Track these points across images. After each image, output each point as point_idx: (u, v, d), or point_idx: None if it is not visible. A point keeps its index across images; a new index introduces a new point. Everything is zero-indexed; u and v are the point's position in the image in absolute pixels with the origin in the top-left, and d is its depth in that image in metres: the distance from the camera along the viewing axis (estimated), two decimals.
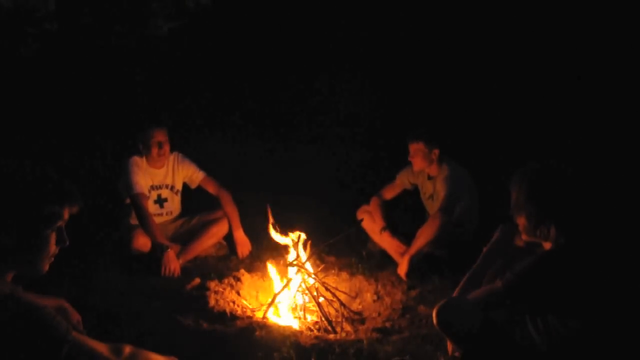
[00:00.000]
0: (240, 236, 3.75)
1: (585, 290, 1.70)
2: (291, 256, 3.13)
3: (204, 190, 3.91)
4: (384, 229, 3.66)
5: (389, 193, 3.89)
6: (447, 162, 3.56)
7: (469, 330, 1.85)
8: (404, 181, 3.84)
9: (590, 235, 1.76)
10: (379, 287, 3.29)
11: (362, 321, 2.91)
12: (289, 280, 2.95)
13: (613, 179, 3.64)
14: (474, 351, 1.94)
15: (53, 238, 1.42)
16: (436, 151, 3.53)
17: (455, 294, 2.08)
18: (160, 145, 3.62)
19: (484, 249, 2.18)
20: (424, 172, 3.69)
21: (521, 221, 1.84)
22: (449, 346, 2.19)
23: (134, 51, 7.05)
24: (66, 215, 1.43)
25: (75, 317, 1.91)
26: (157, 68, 6.84)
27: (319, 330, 2.75)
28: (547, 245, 1.81)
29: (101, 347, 1.37)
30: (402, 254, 3.43)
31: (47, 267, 1.44)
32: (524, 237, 1.89)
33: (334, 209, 4.45)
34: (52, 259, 1.44)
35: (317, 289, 2.97)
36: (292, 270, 3.03)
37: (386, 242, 3.64)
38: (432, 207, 3.65)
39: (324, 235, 3.47)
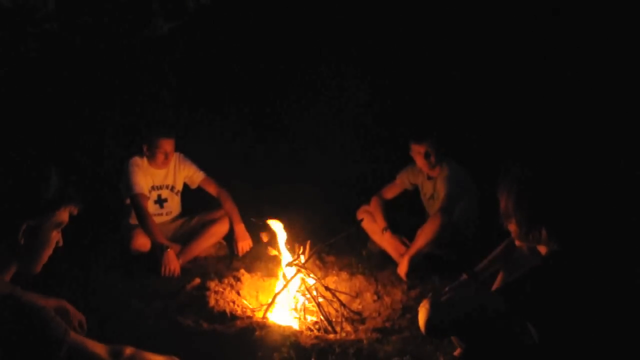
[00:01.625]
0: (241, 230, 3.73)
1: (584, 295, 1.69)
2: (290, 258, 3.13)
3: (204, 190, 3.92)
4: (385, 229, 3.66)
5: (390, 193, 3.88)
6: (447, 162, 3.55)
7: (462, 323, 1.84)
8: (404, 181, 3.84)
9: (585, 238, 1.75)
10: (379, 287, 3.29)
11: (362, 321, 2.91)
12: (289, 281, 2.95)
13: (608, 179, 3.64)
14: (475, 349, 1.94)
15: (55, 239, 1.44)
16: (443, 148, 3.53)
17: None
18: (166, 156, 3.64)
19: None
20: (424, 172, 3.68)
21: (512, 227, 1.83)
22: (455, 341, 2.20)
23: (133, 51, 7.05)
24: (68, 217, 1.45)
25: (78, 317, 1.91)
26: (157, 68, 6.83)
27: (319, 330, 2.75)
28: (542, 249, 1.81)
29: (100, 349, 1.37)
30: (402, 254, 3.43)
31: (40, 268, 1.45)
32: (517, 243, 1.88)
33: (334, 209, 4.45)
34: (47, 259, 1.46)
35: (316, 289, 2.97)
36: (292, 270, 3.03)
37: (387, 242, 3.63)
38: (433, 207, 3.64)
39: (324, 235, 3.47)
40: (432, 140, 3.48)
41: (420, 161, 3.56)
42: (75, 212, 1.46)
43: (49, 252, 1.45)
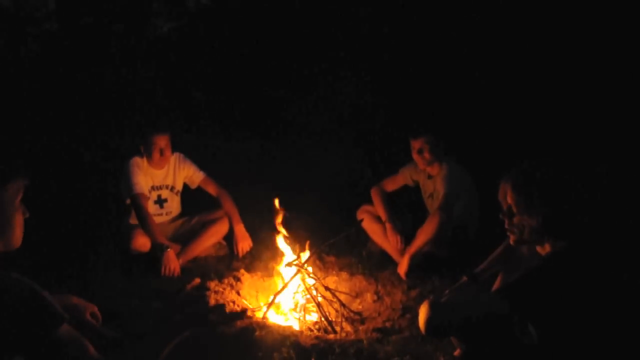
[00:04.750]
0: (240, 231, 3.73)
1: (585, 295, 1.69)
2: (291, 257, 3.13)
3: (204, 190, 3.92)
4: (389, 219, 3.62)
5: (390, 185, 3.87)
6: (447, 161, 3.56)
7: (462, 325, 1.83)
8: (406, 176, 3.83)
9: (587, 237, 1.74)
10: (379, 287, 3.29)
11: (362, 321, 2.91)
12: (289, 281, 2.95)
13: (613, 179, 3.64)
14: (475, 350, 1.94)
15: (18, 211, 1.54)
16: (442, 144, 3.52)
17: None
18: (161, 152, 3.64)
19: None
20: (424, 171, 3.69)
21: (513, 228, 1.82)
22: (454, 341, 2.20)
23: (134, 51, 7.05)
24: (22, 189, 1.56)
25: (89, 308, 1.93)
26: (157, 68, 6.84)
27: (319, 330, 2.75)
28: (544, 249, 1.80)
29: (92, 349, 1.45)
30: (402, 253, 3.43)
31: (20, 240, 1.56)
32: (511, 242, 1.87)
33: (334, 209, 4.45)
34: (22, 231, 1.57)
35: (316, 289, 2.97)
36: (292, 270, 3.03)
37: (389, 235, 3.58)
38: (432, 206, 3.65)
39: (324, 235, 3.47)
40: (427, 136, 3.48)
41: (415, 157, 3.57)
42: (27, 182, 1.57)
43: (18, 224, 1.55)
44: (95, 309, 1.94)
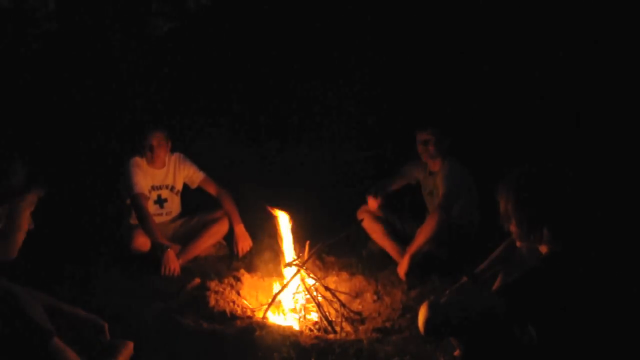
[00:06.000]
0: (240, 231, 3.74)
1: (582, 295, 1.69)
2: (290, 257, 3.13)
3: (204, 190, 3.92)
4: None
5: (393, 184, 3.88)
6: (449, 161, 3.56)
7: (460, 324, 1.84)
8: (407, 174, 3.84)
9: (585, 237, 1.75)
10: (379, 287, 3.29)
11: (362, 321, 2.91)
12: (289, 281, 2.95)
13: (610, 180, 3.64)
14: (474, 350, 1.94)
15: (26, 221, 1.54)
16: (447, 141, 3.53)
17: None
18: (151, 149, 3.63)
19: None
20: (425, 167, 3.70)
21: (513, 228, 1.84)
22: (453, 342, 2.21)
23: (134, 51, 7.05)
24: (35, 200, 1.55)
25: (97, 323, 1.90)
26: (156, 68, 6.83)
27: (319, 330, 2.75)
28: (544, 249, 1.81)
29: None
30: (402, 253, 3.43)
31: (16, 252, 1.55)
32: (518, 243, 1.89)
33: (334, 209, 4.44)
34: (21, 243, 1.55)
35: (316, 289, 2.98)
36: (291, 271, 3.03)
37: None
38: (432, 203, 3.66)
39: (324, 235, 3.47)
40: (434, 129, 3.49)
41: (419, 148, 3.58)
42: (42, 195, 1.57)
43: (22, 235, 1.54)
44: (105, 326, 1.91)
